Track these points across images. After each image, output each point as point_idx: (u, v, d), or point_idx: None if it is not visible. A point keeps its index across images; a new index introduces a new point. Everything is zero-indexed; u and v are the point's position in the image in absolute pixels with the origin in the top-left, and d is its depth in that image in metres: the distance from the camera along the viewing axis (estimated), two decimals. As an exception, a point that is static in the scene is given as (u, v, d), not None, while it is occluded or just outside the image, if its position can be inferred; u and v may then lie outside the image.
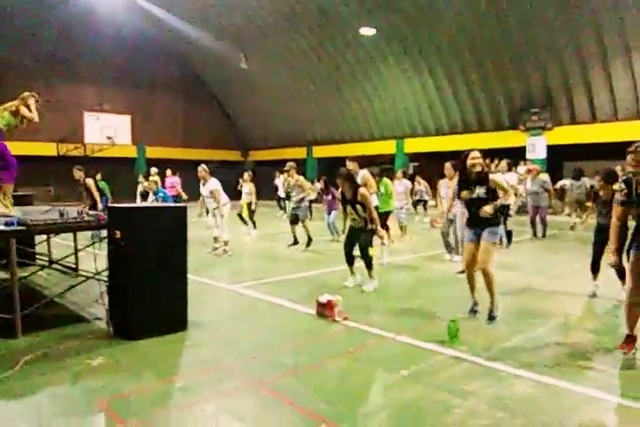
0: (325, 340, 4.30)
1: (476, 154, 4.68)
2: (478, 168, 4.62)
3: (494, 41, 16.53)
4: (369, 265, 6.01)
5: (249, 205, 11.06)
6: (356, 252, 6.10)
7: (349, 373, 3.57)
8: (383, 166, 19.27)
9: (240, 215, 11.42)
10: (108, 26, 21.71)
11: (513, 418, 2.87)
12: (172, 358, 3.92)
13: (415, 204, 15.02)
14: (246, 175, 11.37)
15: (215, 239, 8.72)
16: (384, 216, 9.27)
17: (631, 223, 3.94)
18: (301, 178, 9.44)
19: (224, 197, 8.49)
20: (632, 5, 13.65)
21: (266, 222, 13.70)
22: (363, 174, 7.77)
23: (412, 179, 15.52)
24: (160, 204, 7.61)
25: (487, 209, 4.53)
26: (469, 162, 4.68)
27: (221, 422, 2.88)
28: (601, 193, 5.46)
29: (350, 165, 7.66)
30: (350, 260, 6.14)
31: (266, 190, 18.89)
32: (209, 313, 5.06)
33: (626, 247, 4.20)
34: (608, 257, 4.22)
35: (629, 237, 3.92)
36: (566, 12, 14.66)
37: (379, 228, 5.98)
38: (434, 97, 19.76)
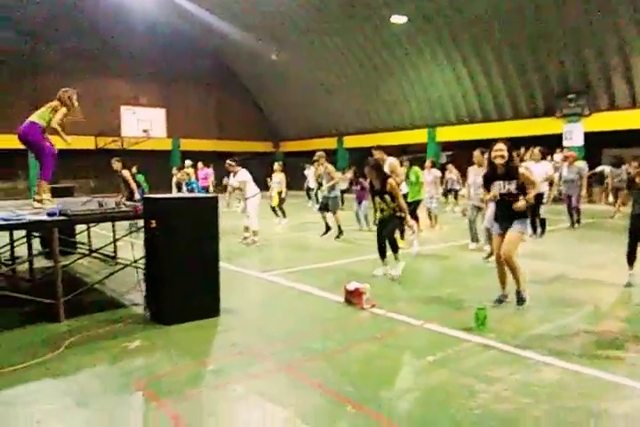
0: (353, 326, 4.38)
1: (500, 146, 4.62)
2: (500, 160, 4.58)
3: (529, 26, 16.04)
4: (395, 248, 6.05)
5: (279, 194, 11.22)
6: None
7: (376, 358, 3.64)
8: (415, 155, 19.09)
9: (273, 207, 11.58)
10: (141, 21, 22.14)
11: (538, 404, 2.88)
12: (205, 341, 4.07)
13: (446, 193, 14.88)
14: (277, 165, 11.52)
15: (245, 229, 8.89)
16: (414, 205, 9.27)
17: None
18: (330, 166, 9.49)
19: (254, 188, 8.63)
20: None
21: (296, 213, 13.84)
22: (390, 162, 7.76)
23: (444, 168, 15.40)
24: (193, 194, 7.82)
25: (520, 205, 4.49)
26: (492, 154, 4.65)
27: (252, 402, 3.00)
28: (637, 180, 5.30)
29: (377, 154, 7.66)
30: (382, 251, 6.17)
31: (296, 181, 19.03)
32: (240, 300, 5.21)
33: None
34: None
35: None
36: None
37: (407, 217, 6.00)
38: (467, 85, 19.38)
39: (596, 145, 17.02)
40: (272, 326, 4.41)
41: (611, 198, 12.97)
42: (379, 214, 6.18)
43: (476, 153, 7.34)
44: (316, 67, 23.12)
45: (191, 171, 13.48)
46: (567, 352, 3.62)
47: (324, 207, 9.40)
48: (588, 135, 16.59)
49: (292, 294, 5.48)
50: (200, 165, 15.14)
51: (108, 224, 6.89)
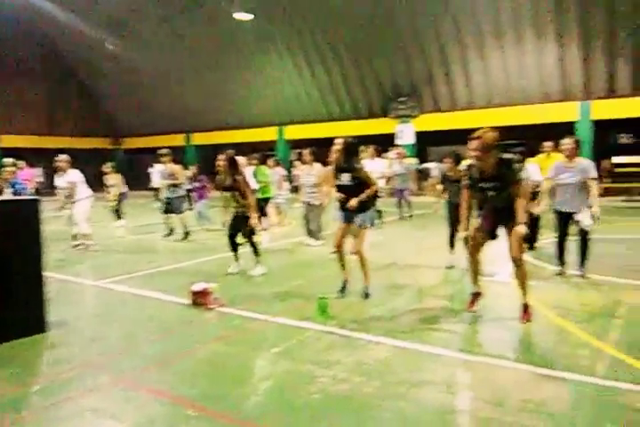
0: (198, 328, 4.29)
1: (338, 141, 4.92)
2: (335, 155, 4.87)
3: (364, 31, 17.23)
4: (256, 251, 6.07)
5: (116, 196, 10.49)
6: (240, 238, 6.12)
7: (221, 356, 3.62)
8: (264, 153, 19.28)
9: (113, 210, 10.77)
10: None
11: (370, 381, 3.13)
12: (29, 361, 3.65)
13: (295, 189, 15.30)
14: (108, 167, 10.71)
15: (74, 237, 8.19)
16: (264, 203, 9.39)
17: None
18: (175, 166, 9.15)
19: (85, 191, 7.98)
20: (487, 4, 15.01)
21: (141, 214, 13.10)
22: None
23: (293, 165, 15.85)
24: (6, 197, 6.93)
25: (353, 203, 4.78)
26: (332, 149, 4.93)
27: (84, 421, 2.77)
28: (450, 173, 6.02)
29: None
30: (234, 246, 6.15)
31: (141, 180, 17.99)
32: (73, 311, 4.77)
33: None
34: (460, 233, 4.66)
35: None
36: (429, 8, 15.72)
37: (254, 215, 6.02)
38: (311, 85, 20.15)
39: (424, 143, 18.98)
40: (108, 336, 4.12)
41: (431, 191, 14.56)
42: (231, 209, 6.13)
43: (306, 152, 7.70)
44: (161, 60, 22.04)
45: (13, 170, 11.86)
46: (396, 330, 4.00)
47: (168, 210, 9.05)
48: (417, 134, 18.41)
49: (132, 301, 5.18)
50: (22, 164, 13.41)
51: None
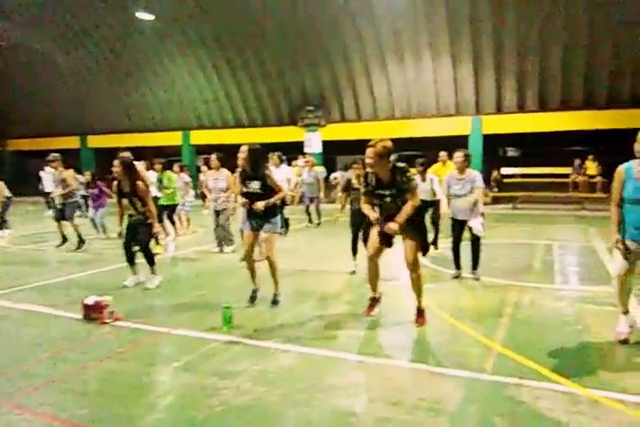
0: (91, 344, 4.01)
1: (243, 148, 4.87)
2: (242, 163, 4.83)
3: (273, 40, 17.32)
4: (151, 261, 5.79)
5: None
6: (137, 248, 5.81)
7: (115, 374, 3.41)
8: (169, 159, 18.64)
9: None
10: None
11: (274, 389, 3.11)
12: None
13: (201, 196, 14.91)
14: None
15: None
16: (169, 210, 9.06)
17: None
18: (67, 171, 8.52)
19: None
20: (388, 24, 15.73)
21: (30, 222, 12.04)
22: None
23: (200, 171, 15.43)
24: None
25: (259, 205, 4.75)
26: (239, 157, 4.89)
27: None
28: (354, 181, 6.19)
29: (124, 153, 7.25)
30: (130, 257, 5.82)
31: (32, 184, 16.55)
32: (-57, 332, 4.25)
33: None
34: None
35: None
36: (335, 22, 16.16)
37: (156, 224, 5.76)
38: (219, 90, 19.80)
39: (332, 152, 19.41)
40: (-13, 357, 3.72)
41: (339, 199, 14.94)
42: (126, 219, 5.81)
43: (213, 157, 7.60)
44: (56, 58, 20.51)
45: None
46: (301, 337, 4.02)
47: (61, 216, 8.41)
48: (325, 143, 18.79)
49: (18, 317, 4.72)
50: None
51: None
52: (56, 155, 8.40)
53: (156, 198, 8.66)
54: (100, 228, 9.52)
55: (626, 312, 3.90)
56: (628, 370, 3.37)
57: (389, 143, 4.17)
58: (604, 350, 3.75)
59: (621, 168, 3.72)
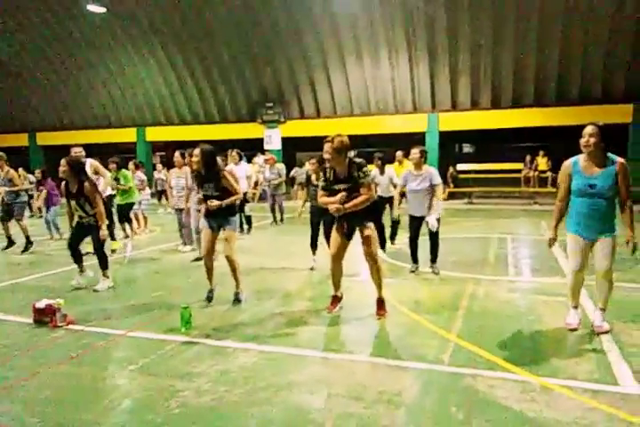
0: (42, 348, 3.85)
1: (195, 152, 4.77)
2: (196, 166, 4.76)
3: (230, 34, 17.06)
4: (104, 265, 5.60)
5: None
6: (86, 249, 5.62)
7: (69, 379, 3.29)
8: (124, 156, 18.11)
9: None
10: None
11: (235, 389, 3.08)
12: None
13: (158, 194, 14.57)
14: None
15: None
16: (126, 208, 8.79)
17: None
18: (12, 171, 8.14)
19: None
20: (346, 22, 15.78)
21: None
22: (90, 162, 7.22)
23: (155, 168, 15.05)
24: None
25: (214, 203, 4.70)
26: (191, 159, 4.82)
27: None
28: (313, 177, 6.20)
29: (77, 151, 7.03)
30: (77, 257, 5.62)
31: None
32: None
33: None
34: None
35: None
36: (294, 19, 16.08)
37: (104, 226, 5.52)
38: (175, 86, 19.35)
39: (291, 149, 19.34)
40: None
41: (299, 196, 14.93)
42: (76, 218, 5.60)
43: (177, 154, 7.42)
44: (2, 55, 19.52)
45: None
46: (262, 335, 4.00)
47: (5, 218, 8.03)
48: (284, 140, 18.71)
49: (-40, 323, 4.49)
50: None
51: None
52: (0, 154, 8.00)
53: (111, 197, 8.42)
54: (53, 228, 9.16)
55: (576, 307, 4.07)
56: (577, 357, 3.52)
57: (346, 138, 4.21)
58: (556, 338, 3.91)
59: (568, 162, 3.88)
